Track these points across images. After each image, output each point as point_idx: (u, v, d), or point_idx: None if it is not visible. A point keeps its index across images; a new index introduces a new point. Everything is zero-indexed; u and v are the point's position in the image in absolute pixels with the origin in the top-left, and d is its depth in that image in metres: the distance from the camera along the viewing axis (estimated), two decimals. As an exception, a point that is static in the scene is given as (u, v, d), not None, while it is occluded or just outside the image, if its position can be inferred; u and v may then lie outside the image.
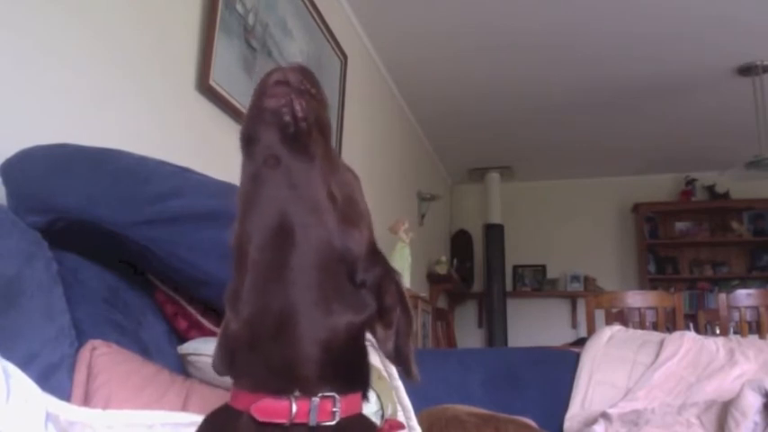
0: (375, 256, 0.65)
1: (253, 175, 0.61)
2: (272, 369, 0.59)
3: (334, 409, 0.58)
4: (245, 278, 0.60)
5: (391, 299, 0.64)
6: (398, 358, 0.65)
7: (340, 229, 0.60)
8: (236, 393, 0.60)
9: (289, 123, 0.58)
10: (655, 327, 3.03)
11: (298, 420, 0.57)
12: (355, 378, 0.63)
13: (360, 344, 0.63)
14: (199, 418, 0.98)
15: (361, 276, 0.62)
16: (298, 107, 0.58)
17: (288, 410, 0.57)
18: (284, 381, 0.58)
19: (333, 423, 0.57)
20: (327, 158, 0.62)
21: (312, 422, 0.57)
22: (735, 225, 6.02)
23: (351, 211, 0.63)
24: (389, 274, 0.65)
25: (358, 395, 0.62)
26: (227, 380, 0.63)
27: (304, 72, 0.61)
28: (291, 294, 0.58)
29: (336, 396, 0.58)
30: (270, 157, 0.59)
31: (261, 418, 0.57)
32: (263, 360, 0.59)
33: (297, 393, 0.57)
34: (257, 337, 0.59)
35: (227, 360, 0.63)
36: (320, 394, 0.58)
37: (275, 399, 0.57)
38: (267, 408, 0.57)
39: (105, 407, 0.96)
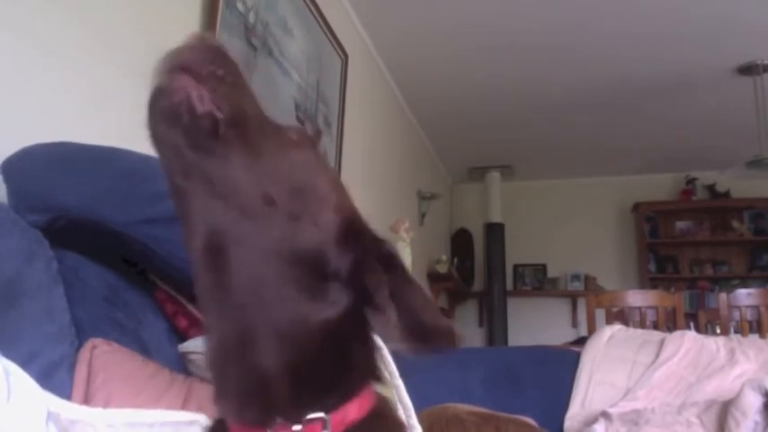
0: (351, 237, 0.56)
1: (171, 187, 0.53)
2: (244, 399, 0.53)
3: (326, 429, 0.52)
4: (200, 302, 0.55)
5: (375, 279, 0.54)
6: (417, 335, 0.53)
7: (286, 229, 0.52)
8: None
9: (189, 124, 0.49)
10: (655, 326, 3.03)
11: None
12: (351, 382, 0.56)
13: (346, 339, 0.55)
14: (199, 417, 0.99)
15: (333, 266, 0.54)
16: (197, 102, 0.49)
17: None
18: (260, 410, 0.53)
19: None
20: (254, 153, 0.52)
21: None
22: (735, 224, 6.01)
23: (301, 204, 0.53)
24: (369, 253, 0.56)
25: (360, 398, 0.56)
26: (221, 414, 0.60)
27: (206, 49, 0.52)
28: (243, 316, 0.52)
29: (324, 416, 0.52)
30: (180, 166, 0.51)
31: None
32: (235, 390, 0.53)
33: (279, 421, 0.52)
34: (224, 364, 0.54)
35: (213, 394, 0.56)
36: (306, 417, 0.52)
37: (251, 430, 0.53)
38: None
39: (106, 405, 0.96)
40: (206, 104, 0.49)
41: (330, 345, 0.54)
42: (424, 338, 0.53)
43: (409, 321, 0.53)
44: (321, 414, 0.52)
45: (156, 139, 0.52)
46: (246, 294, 0.52)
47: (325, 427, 0.52)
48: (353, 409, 0.54)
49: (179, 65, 0.50)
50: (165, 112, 0.50)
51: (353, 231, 0.57)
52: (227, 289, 0.52)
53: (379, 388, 0.60)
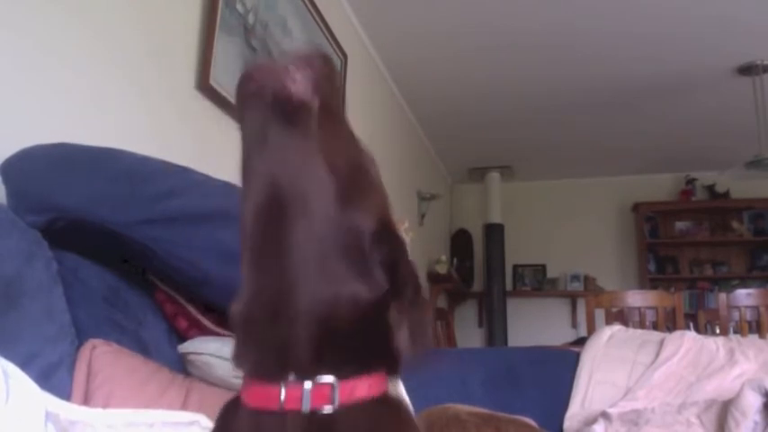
0: (388, 234, 0.60)
1: (245, 153, 0.60)
2: (265, 352, 0.56)
3: (333, 396, 0.53)
4: (243, 257, 0.58)
5: (404, 279, 0.59)
6: (414, 347, 0.57)
7: (343, 200, 0.56)
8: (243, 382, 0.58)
9: (274, 98, 0.56)
10: (655, 326, 3.03)
11: (289, 407, 0.53)
12: (369, 360, 0.57)
13: (374, 323, 0.57)
14: (199, 417, 0.99)
15: (370, 252, 0.57)
16: (288, 81, 0.56)
17: (277, 396, 0.53)
18: (276, 364, 0.55)
19: (330, 411, 0.53)
20: (330, 129, 0.59)
21: (304, 409, 0.53)
22: (735, 225, 6.02)
23: (358, 183, 0.59)
24: (403, 255, 0.60)
25: (372, 378, 0.57)
26: (227, 379, 0.62)
27: (317, 50, 0.61)
28: (287, 269, 0.55)
29: (333, 380, 0.54)
30: (257, 134, 0.58)
31: (252, 405, 0.55)
32: (258, 343, 0.56)
33: (291, 378, 0.54)
34: (254, 318, 0.57)
35: (234, 348, 0.59)
36: (317, 379, 0.54)
37: (265, 384, 0.54)
38: (256, 394, 0.55)
39: (105, 406, 0.96)
40: (300, 86, 0.56)
41: (358, 322, 0.56)
42: (413, 349, 0.57)
43: (412, 330, 0.57)
44: (332, 379, 0.54)
45: (241, 109, 0.60)
46: (296, 248, 0.55)
47: (333, 390, 0.54)
48: (363, 387, 0.56)
49: (293, 55, 0.58)
50: (265, 81, 0.57)
51: (390, 231, 0.61)
52: (279, 241, 0.56)
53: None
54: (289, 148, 0.57)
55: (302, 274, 0.55)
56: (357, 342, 0.57)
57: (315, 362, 0.54)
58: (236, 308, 0.58)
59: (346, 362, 0.56)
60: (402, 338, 0.57)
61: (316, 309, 0.55)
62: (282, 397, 0.53)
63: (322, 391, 0.53)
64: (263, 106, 0.57)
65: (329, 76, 0.60)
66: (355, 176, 0.60)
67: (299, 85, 0.56)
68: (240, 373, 0.58)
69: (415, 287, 0.60)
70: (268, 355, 0.56)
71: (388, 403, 0.58)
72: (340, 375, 0.55)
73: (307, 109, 0.57)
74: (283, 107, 0.56)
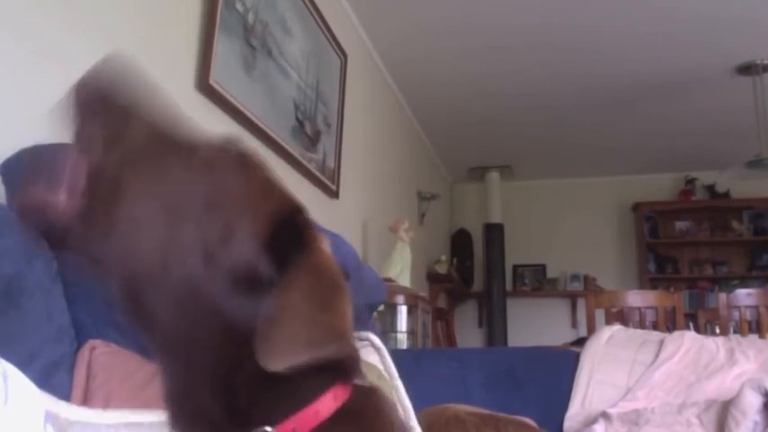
0: (279, 238, 0.54)
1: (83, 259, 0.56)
2: (192, 428, 0.54)
3: None
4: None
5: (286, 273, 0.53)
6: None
7: (202, 252, 0.52)
8: None
9: (54, 222, 0.52)
10: (655, 326, 3.03)
11: None
12: (304, 388, 0.54)
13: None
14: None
15: (265, 275, 0.53)
16: (52, 208, 0.52)
17: None
18: None
19: None
20: (151, 190, 0.54)
21: None
22: (735, 224, 6.02)
23: (216, 223, 0.53)
24: (293, 249, 0.54)
25: (321, 402, 0.53)
26: None
27: (83, 106, 0.54)
28: (172, 347, 0.54)
29: (268, 429, 0.51)
30: (77, 251, 0.55)
31: None
32: (183, 421, 0.55)
33: None
34: (171, 401, 0.56)
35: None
36: None
37: None
38: None
39: (105, 406, 0.96)
40: (60, 209, 0.52)
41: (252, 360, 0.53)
42: None
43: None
44: (266, 429, 0.51)
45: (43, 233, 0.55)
46: (173, 325, 0.53)
47: None
48: (308, 415, 0.53)
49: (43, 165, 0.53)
50: (30, 226, 0.54)
51: (282, 234, 0.55)
52: (154, 328, 0.54)
53: (373, 382, 0.58)
54: (110, 243, 0.53)
55: (187, 350, 0.53)
56: (273, 376, 0.52)
57: (241, 422, 0.52)
58: (162, 396, 0.57)
59: (279, 400, 0.53)
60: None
61: (210, 373, 0.53)
62: None
63: None
64: (52, 230, 0.53)
65: (118, 119, 0.54)
66: (210, 207, 0.54)
67: (63, 206, 0.52)
68: None
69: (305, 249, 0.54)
70: (196, 428, 0.54)
71: (350, 414, 0.55)
72: (279, 417, 0.52)
73: (90, 214, 0.52)
74: (66, 228, 0.52)
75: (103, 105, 0.54)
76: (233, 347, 0.52)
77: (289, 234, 0.55)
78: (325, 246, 0.57)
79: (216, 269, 0.52)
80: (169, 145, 0.57)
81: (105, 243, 0.53)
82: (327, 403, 0.54)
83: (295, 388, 0.53)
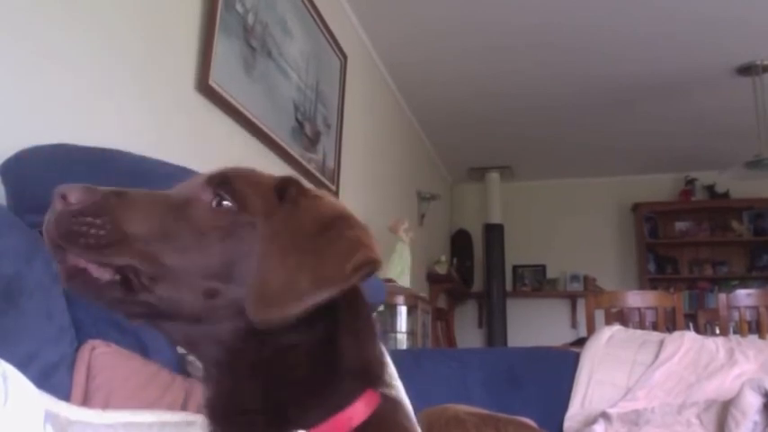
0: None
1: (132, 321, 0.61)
2: (228, 427, 0.57)
3: None
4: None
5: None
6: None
7: (237, 305, 0.55)
8: None
9: (105, 292, 0.55)
10: (654, 327, 3.03)
11: None
12: (336, 395, 0.56)
13: (321, 349, 0.57)
14: (198, 418, 0.99)
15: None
16: (94, 275, 0.54)
17: None
18: None
19: None
20: (182, 254, 0.56)
21: None
22: (735, 225, 6.02)
23: (245, 274, 0.56)
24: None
25: (352, 409, 0.56)
26: None
27: (68, 213, 0.53)
28: (216, 362, 0.58)
29: None
30: (126, 312, 0.58)
31: None
32: (219, 420, 0.57)
33: None
34: (214, 407, 0.58)
35: None
36: None
37: None
38: None
39: (105, 406, 0.96)
40: (106, 272, 0.54)
41: (303, 362, 0.56)
42: None
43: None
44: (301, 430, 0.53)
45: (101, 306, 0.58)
46: (219, 356, 0.57)
47: None
48: (342, 421, 0.55)
49: (58, 243, 0.53)
50: (81, 292, 0.56)
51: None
52: (205, 357, 0.59)
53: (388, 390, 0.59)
54: (157, 305, 0.56)
55: (227, 360, 0.57)
56: (313, 382, 0.56)
57: (277, 424, 0.54)
58: (202, 402, 0.60)
59: (313, 406, 0.55)
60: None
61: (249, 374, 0.56)
62: None
63: None
64: (99, 300, 0.57)
65: (108, 209, 0.55)
66: (224, 266, 0.56)
67: (99, 271, 0.54)
68: None
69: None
70: (233, 428, 0.56)
71: (378, 421, 0.57)
72: (310, 422, 0.54)
73: (131, 281, 0.54)
74: (113, 293, 0.55)
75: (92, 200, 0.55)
76: (269, 355, 0.56)
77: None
78: (323, 194, 0.60)
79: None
80: (174, 209, 0.59)
81: (153, 301, 0.55)
82: (360, 410, 0.56)
83: (332, 392, 0.56)
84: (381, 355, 0.61)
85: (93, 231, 0.52)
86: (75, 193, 0.53)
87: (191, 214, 0.58)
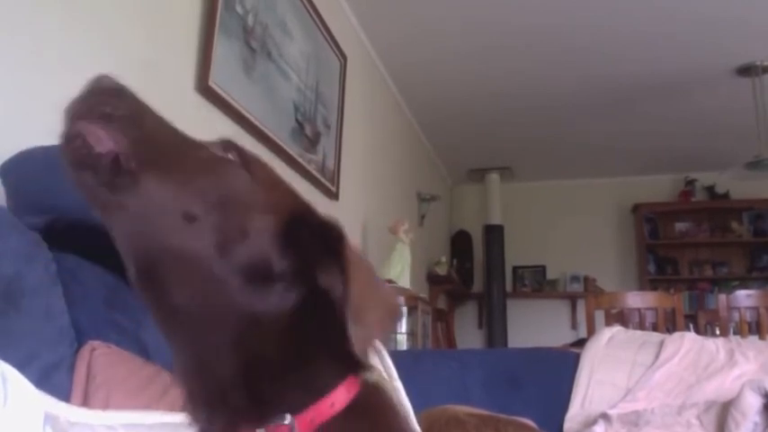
0: (293, 235, 0.56)
1: (104, 223, 0.56)
2: (210, 410, 0.54)
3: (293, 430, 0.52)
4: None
5: (326, 274, 0.55)
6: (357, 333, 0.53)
7: (215, 241, 0.53)
8: None
9: (93, 164, 0.52)
10: (654, 327, 3.03)
11: None
12: (320, 379, 0.55)
13: (305, 341, 0.55)
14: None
15: (276, 269, 0.54)
16: (95, 143, 0.52)
17: None
18: (225, 418, 0.53)
19: None
20: (165, 176, 0.54)
21: None
22: (735, 225, 6.01)
23: (225, 216, 0.54)
24: (316, 248, 0.56)
25: (336, 394, 0.54)
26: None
27: (99, 92, 0.55)
28: (192, 330, 0.54)
29: (290, 419, 0.52)
30: (97, 203, 0.55)
31: None
32: (200, 402, 0.55)
33: (245, 428, 0.53)
34: (188, 382, 0.56)
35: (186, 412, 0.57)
36: (269, 422, 0.52)
37: None
38: None
39: (105, 407, 0.96)
40: (104, 144, 0.52)
41: (286, 344, 0.54)
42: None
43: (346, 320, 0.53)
44: (286, 418, 0.52)
45: (73, 183, 0.55)
46: (189, 309, 0.54)
47: (292, 428, 0.52)
48: (325, 407, 0.54)
49: (73, 114, 0.54)
50: (68, 157, 0.54)
51: (295, 229, 0.57)
52: (170, 307, 0.54)
53: (374, 377, 0.59)
54: (131, 210, 0.53)
55: (205, 327, 0.54)
56: (297, 364, 0.55)
57: (259, 404, 0.53)
58: (175, 376, 0.57)
59: (295, 389, 0.54)
60: (350, 330, 0.53)
61: (232, 355, 0.53)
62: None
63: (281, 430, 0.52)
64: (84, 177, 0.54)
65: (134, 110, 0.56)
66: (222, 206, 0.55)
67: (106, 143, 0.53)
68: None
69: (340, 265, 0.55)
70: (214, 411, 0.54)
71: (362, 407, 0.56)
72: (294, 406, 0.53)
73: (125, 166, 0.53)
74: (102, 174, 0.53)
75: (116, 96, 0.55)
76: (249, 333, 0.54)
77: (305, 230, 0.57)
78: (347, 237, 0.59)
79: (228, 260, 0.53)
80: (176, 136, 0.59)
81: (130, 207, 0.53)
82: (341, 395, 0.55)
83: (313, 378, 0.55)
84: None
85: (108, 109, 0.53)
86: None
87: (195, 142, 0.59)
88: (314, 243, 0.56)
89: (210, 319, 0.54)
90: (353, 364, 0.56)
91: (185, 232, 0.53)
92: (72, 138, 0.54)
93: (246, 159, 0.60)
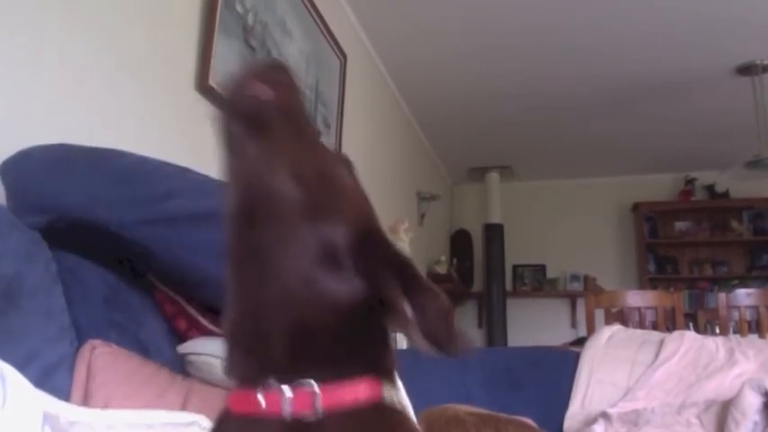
0: (370, 239, 0.61)
1: (222, 163, 0.62)
2: (247, 359, 0.56)
3: (315, 401, 0.52)
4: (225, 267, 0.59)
5: (387, 280, 0.59)
6: (431, 341, 0.56)
7: (311, 209, 0.58)
8: None
9: (245, 108, 0.59)
10: (654, 326, 3.03)
11: (270, 412, 0.52)
12: (355, 365, 0.56)
13: (356, 327, 0.57)
14: (199, 418, 0.99)
15: (346, 259, 0.58)
16: (249, 92, 0.59)
17: (255, 400, 0.52)
18: (256, 369, 0.55)
19: (312, 418, 0.52)
20: (293, 138, 0.60)
21: (285, 414, 0.52)
22: (734, 224, 6.01)
23: (325, 192, 0.60)
24: (383, 260, 0.60)
25: (361, 384, 0.55)
26: (227, 379, 0.62)
27: (272, 64, 0.63)
28: (261, 276, 0.57)
29: (314, 385, 0.53)
30: (232, 143, 0.60)
31: (235, 411, 0.55)
32: (242, 351, 0.57)
33: (270, 382, 0.53)
34: (237, 326, 0.58)
35: (225, 358, 0.59)
36: (297, 383, 0.53)
37: (244, 389, 0.54)
38: (236, 399, 0.55)
39: (105, 406, 0.96)
40: (266, 94, 0.59)
41: (336, 324, 0.56)
42: (437, 343, 0.56)
43: (424, 326, 0.56)
44: (312, 384, 0.53)
45: (222, 121, 0.61)
46: (268, 255, 0.57)
47: (314, 396, 0.52)
48: (349, 392, 0.54)
49: (246, 72, 0.60)
50: (231, 104, 0.60)
51: (369, 240, 0.61)
52: (255, 249, 0.58)
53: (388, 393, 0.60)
54: (253, 158, 0.58)
55: (275, 277, 0.56)
56: (339, 346, 0.56)
57: (293, 366, 0.54)
58: (224, 318, 0.59)
59: (328, 366, 0.55)
60: (417, 335, 0.56)
61: (290, 313, 0.55)
62: (262, 401, 0.52)
63: (302, 396, 0.52)
64: (227, 117, 0.60)
65: (291, 87, 0.63)
66: (324, 185, 0.60)
67: (261, 96, 0.58)
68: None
69: (418, 287, 0.61)
70: (250, 362, 0.56)
71: (380, 410, 0.56)
72: (322, 380, 0.53)
73: (268, 119, 0.59)
74: (245, 118, 0.59)
75: (288, 74, 0.63)
76: (311, 298, 0.56)
77: (370, 244, 0.60)
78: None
79: (311, 230, 0.57)
80: (313, 128, 0.66)
81: (258, 153, 0.59)
82: (363, 389, 0.56)
83: (347, 367, 0.56)
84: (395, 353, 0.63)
85: (275, 76, 0.61)
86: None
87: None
88: (382, 259, 0.60)
89: (284, 270, 0.56)
90: (380, 376, 0.58)
91: (290, 188, 0.57)
92: (240, 87, 0.59)
93: (354, 170, 0.67)
